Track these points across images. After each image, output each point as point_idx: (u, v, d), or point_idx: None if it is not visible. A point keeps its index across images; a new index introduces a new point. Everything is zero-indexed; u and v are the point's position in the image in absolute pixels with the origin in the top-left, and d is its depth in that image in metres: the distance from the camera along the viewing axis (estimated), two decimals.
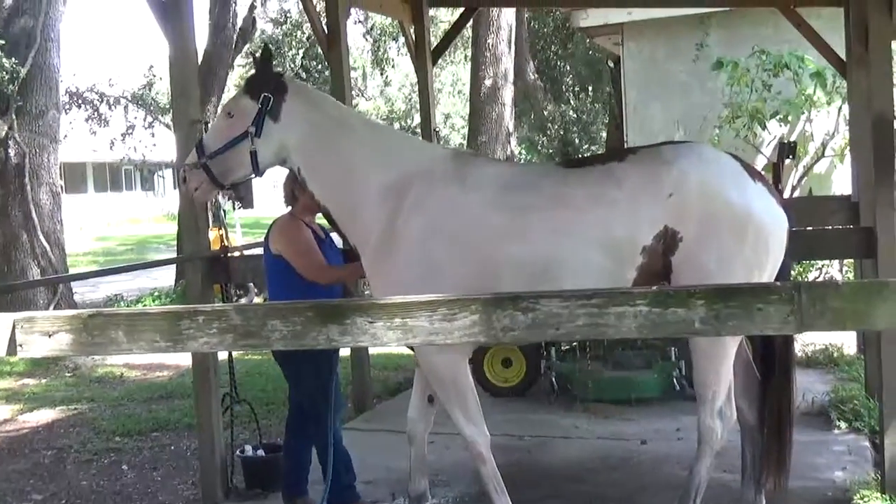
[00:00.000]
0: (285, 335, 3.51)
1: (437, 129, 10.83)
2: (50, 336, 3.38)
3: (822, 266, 12.81)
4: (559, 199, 4.94)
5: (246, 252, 7.67)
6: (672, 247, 4.81)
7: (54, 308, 13.00)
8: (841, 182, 12.99)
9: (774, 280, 4.91)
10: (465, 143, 28.28)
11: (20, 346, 3.30)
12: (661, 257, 4.82)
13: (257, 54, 5.42)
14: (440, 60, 12.84)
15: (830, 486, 6.12)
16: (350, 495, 5.96)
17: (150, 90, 24.16)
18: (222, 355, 6.74)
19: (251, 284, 15.81)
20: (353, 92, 9.25)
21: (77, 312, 3.28)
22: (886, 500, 5.46)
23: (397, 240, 5.02)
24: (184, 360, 11.06)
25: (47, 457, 8.26)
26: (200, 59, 16.93)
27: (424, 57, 10.13)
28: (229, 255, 6.65)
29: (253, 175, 5.30)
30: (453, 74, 43.45)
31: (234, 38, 18.63)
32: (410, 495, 5.69)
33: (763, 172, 6.47)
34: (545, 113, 32.33)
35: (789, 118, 13.39)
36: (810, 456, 6.78)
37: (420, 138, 7.32)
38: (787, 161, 10.64)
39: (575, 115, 34.28)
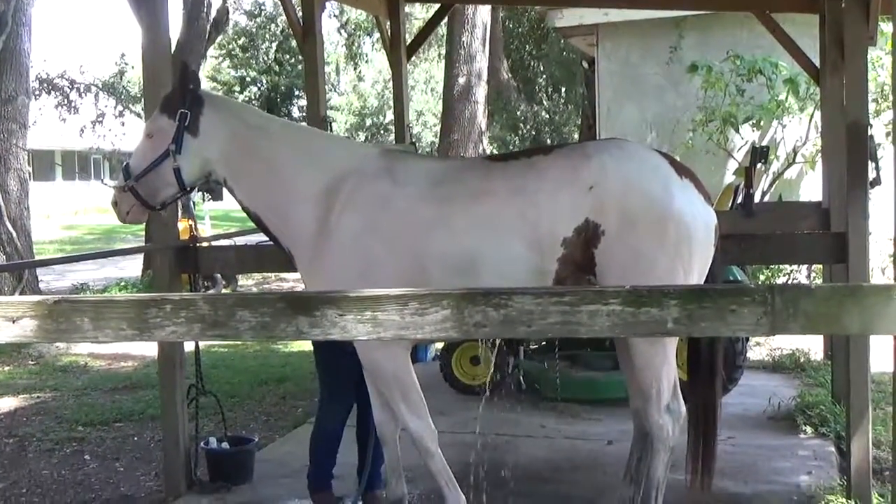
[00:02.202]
0: (254, 326, 3.44)
1: (410, 126, 10.78)
2: (14, 322, 3.29)
3: (791, 271, 12.89)
4: (481, 191, 4.94)
5: (214, 243, 7.62)
6: (594, 239, 4.79)
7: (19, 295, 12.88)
8: (810, 188, 13.07)
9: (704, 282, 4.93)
10: (437, 140, 28.28)
11: None
12: (584, 250, 4.79)
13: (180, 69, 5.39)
14: (413, 57, 12.80)
15: (795, 490, 6.14)
16: (316, 485, 5.91)
17: (121, 78, 23.98)
18: (189, 346, 6.67)
19: (219, 276, 15.74)
20: (326, 87, 9.17)
21: (42, 298, 3.21)
22: None
23: (331, 238, 5.01)
24: (149, 350, 10.97)
25: (8, 445, 8.16)
26: (173, 49, 16.84)
27: (399, 53, 10.07)
28: (198, 245, 6.59)
29: (180, 193, 5.31)
30: (426, 72, 43.51)
31: (208, 29, 18.51)
32: (389, 498, 5.63)
33: (734, 176, 6.52)
34: (518, 113, 32.37)
35: (762, 123, 13.49)
36: (776, 460, 6.81)
37: (347, 138, 7.30)
38: (759, 166, 10.67)
39: (548, 116, 34.38)
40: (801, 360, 9.84)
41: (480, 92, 22.65)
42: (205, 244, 7.17)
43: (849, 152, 5.77)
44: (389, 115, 45.04)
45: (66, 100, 19.10)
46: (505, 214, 4.86)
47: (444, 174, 5.17)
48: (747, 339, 9.07)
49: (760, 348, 11.05)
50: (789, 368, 9.79)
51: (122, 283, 18.11)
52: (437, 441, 5.24)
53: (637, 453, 5.41)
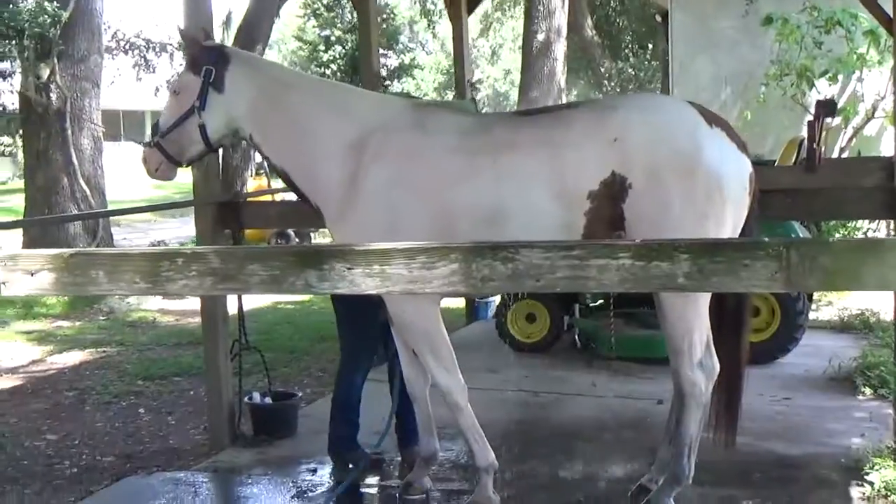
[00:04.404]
0: (264, 279, 3.43)
1: (471, 81, 10.66)
2: (32, 275, 3.34)
3: (867, 230, 12.49)
4: (509, 143, 4.84)
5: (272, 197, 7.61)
6: (621, 194, 4.66)
7: None
8: (892, 144, 12.64)
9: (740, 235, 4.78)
10: (518, 98, 28.03)
11: (3, 283, 3.26)
12: (611, 204, 4.67)
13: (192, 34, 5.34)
14: (498, 14, 12.67)
15: (844, 452, 5.94)
16: (346, 445, 5.89)
17: None
18: (241, 301, 6.68)
19: (291, 233, 15.81)
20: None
21: (59, 252, 3.25)
22: None
23: (359, 192, 4.94)
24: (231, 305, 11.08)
25: (68, 398, 8.32)
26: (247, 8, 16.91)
27: (459, 7, 9.96)
28: (240, 200, 6.58)
29: (206, 150, 5.28)
30: (513, 29, 43.01)
31: None
32: (421, 454, 5.59)
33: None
34: (602, 70, 31.97)
35: (839, 77, 13.04)
36: (830, 421, 6.62)
37: (377, 93, 7.19)
38: (829, 120, 10.31)
39: (633, 73, 33.91)
40: (871, 320, 9.55)
41: (560, 48, 22.36)
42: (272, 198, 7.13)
43: None
44: (477, 74, 44.83)
45: (143, 59, 19.30)
46: (531, 167, 4.76)
47: (474, 127, 5.07)
48: (810, 298, 8.84)
49: (831, 308, 10.78)
50: (857, 329, 9.52)
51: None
52: (466, 396, 5.18)
53: (676, 413, 5.29)
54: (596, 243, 3.49)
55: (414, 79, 44.34)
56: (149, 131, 5.66)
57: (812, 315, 9.99)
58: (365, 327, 5.78)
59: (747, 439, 6.17)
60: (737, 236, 4.81)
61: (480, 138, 4.95)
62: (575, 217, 4.72)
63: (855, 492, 5.35)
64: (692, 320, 4.88)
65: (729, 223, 4.76)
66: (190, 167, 5.69)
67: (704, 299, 4.92)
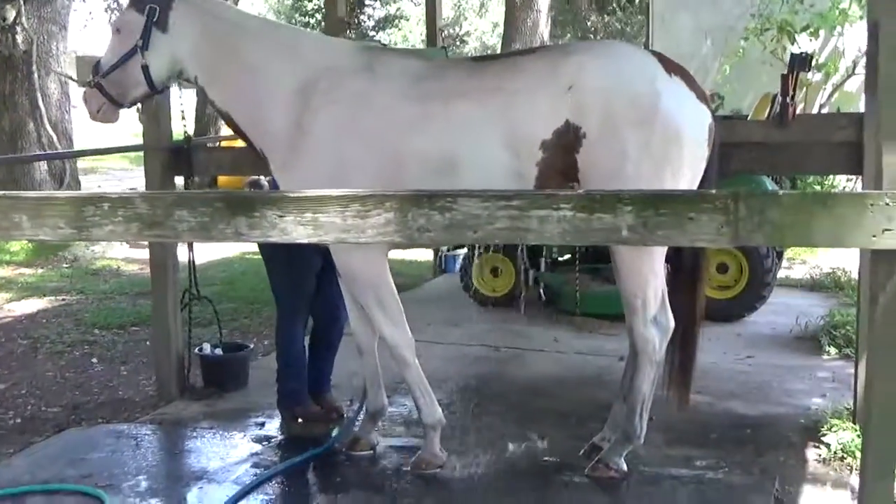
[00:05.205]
0: (193, 226, 3.27)
1: (444, 31, 10.42)
2: None
3: (844, 187, 12.34)
4: (460, 90, 4.68)
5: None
6: (575, 144, 4.50)
7: None
8: None
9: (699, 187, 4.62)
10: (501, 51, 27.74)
11: None
12: (564, 154, 4.51)
13: None
14: None
15: (804, 413, 5.82)
16: (295, 399, 5.73)
17: None
18: (192, 248, 6.47)
19: (265, 182, 15.58)
20: None
21: None
22: (856, 432, 5.15)
23: (306, 138, 4.76)
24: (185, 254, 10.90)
25: (21, 346, 8.14)
26: None
27: None
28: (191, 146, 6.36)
29: (150, 92, 5.05)
30: None
31: None
32: (368, 409, 5.44)
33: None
34: (588, 23, 31.66)
35: (820, 32, 12.82)
36: (792, 381, 6.51)
37: (327, 35, 6.96)
38: (808, 75, 10.12)
39: (619, 27, 33.56)
40: (843, 279, 9.42)
41: (544, 0, 22.06)
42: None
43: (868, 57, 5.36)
44: (466, 26, 44.33)
45: (115, 1, 18.91)
46: (482, 114, 4.59)
47: (426, 72, 4.88)
48: (781, 255, 8.71)
49: (804, 266, 10.66)
50: (828, 287, 9.39)
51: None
52: (413, 350, 5.04)
53: (630, 371, 5.15)
54: (537, 193, 3.33)
55: (400, 30, 43.91)
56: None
57: (784, 273, 9.88)
58: (299, 277, 5.61)
59: (707, 398, 6.09)
60: (695, 189, 4.65)
61: (432, 84, 4.78)
62: (527, 167, 4.56)
63: (811, 453, 5.25)
64: (646, 276, 4.73)
65: (687, 175, 4.61)
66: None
67: (660, 254, 4.77)
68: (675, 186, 4.51)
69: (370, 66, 4.88)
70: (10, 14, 13.33)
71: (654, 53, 4.81)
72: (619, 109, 4.46)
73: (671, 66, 4.64)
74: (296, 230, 3.18)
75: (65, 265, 12.10)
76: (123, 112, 5.15)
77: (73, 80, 5.19)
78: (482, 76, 4.72)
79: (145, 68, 4.90)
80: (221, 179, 7.12)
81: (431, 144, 4.63)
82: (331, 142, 4.74)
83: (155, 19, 4.88)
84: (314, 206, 3.14)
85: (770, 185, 8.11)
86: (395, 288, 5.03)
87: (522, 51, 6.29)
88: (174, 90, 5.83)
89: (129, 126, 5.20)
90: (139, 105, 5.40)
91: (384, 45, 8.46)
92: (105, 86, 4.98)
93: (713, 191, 3.37)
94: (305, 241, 3.22)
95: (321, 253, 5.38)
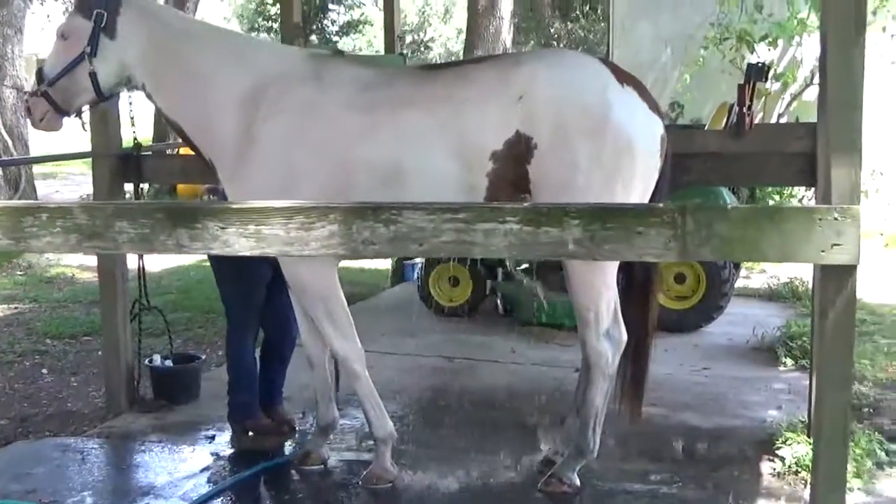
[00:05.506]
0: (133, 238, 3.23)
1: (401, 37, 10.36)
2: None
3: (802, 198, 12.38)
4: (409, 99, 4.62)
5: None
6: (526, 154, 4.45)
7: None
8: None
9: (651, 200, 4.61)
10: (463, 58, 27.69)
11: None
12: (515, 165, 4.45)
13: None
14: None
15: (759, 426, 5.79)
16: (246, 413, 5.63)
17: None
18: (142, 258, 6.37)
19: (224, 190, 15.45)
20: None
21: None
22: (810, 445, 5.12)
23: (254, 149, 4.68)
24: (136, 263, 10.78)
25: None
26: None
27: None
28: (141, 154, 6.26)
29: (97, 99, 4.96)
30: None
31: None
32: (319, 423, 5.37)
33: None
34: (552, 30, 31.68)
35: (779, 42, 12.88)
36: (748, 393, 6.48)
37: (276, 42, 6.93)
38: (766, 85, 10.16)
39: (583, 34, 33.61)
40: (800, 289, 9.43)
41: (506, 6, 22.01)
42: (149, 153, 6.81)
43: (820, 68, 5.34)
44: (430, 33, 44.23)
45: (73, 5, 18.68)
46: (430, 124, 4.53)
47: (374, 80, 4.81)
48: (738, 265, 8.71)
49: (763, 275, 10.68)
50: (785, 297, 9.41)
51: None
52: (364, 363, 4.97)
53: (583, 383, 5.10)
54: (483, 206, 3.30)
55: (364, 35, 43.70)
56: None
57: (742, 283, 9.89)
58: (248, 288, 5.51)
59: (662, 411, 6.05)
60: (647, 201, 4.61)
61: (380, 93, 4.71)
62: (477, 178, 4.50)
63: (766, 467, 5.21)
64: (599, 289, 4.69)
65: (638, 187, 4.57)
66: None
67: (612, 267, 4.73)
68: (626, 198, 4.47)
69: (318, 74, 4.81)
70: None
71: (606, 63, 4.77)
72: (570, 119, 4.41)
73: (623, 76, 4.60)
74: (238, 242, 3.13)
75: (18, 272, 11.91)
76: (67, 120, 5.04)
77: (20, 91, 5.05)
78: (433, 85, 4.66)
79: (93, 75, 4.81)
80: (180, 187, 7.02)
81: (379, 153, 4.56)
82: (279, 151, 4.66)
83: (103, 25, 4.79)
84: (257, 218, 3.08)
85: (728, 196, 8.10)
86: (344, 300, 4.96)
87: (474, 59, 6.23)
88: (124, 96, 5.72)
89: (89, 131, 5.13)
90: (83, 113, 5.28)
91: (342, 51, 8.30)
92: (51, 93, 4.88)
93: (661, 204, 3.34)
94: (248, 253, 3.16)
95: (271, 264, 5.29)
